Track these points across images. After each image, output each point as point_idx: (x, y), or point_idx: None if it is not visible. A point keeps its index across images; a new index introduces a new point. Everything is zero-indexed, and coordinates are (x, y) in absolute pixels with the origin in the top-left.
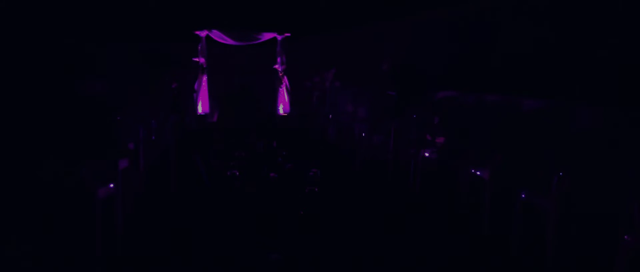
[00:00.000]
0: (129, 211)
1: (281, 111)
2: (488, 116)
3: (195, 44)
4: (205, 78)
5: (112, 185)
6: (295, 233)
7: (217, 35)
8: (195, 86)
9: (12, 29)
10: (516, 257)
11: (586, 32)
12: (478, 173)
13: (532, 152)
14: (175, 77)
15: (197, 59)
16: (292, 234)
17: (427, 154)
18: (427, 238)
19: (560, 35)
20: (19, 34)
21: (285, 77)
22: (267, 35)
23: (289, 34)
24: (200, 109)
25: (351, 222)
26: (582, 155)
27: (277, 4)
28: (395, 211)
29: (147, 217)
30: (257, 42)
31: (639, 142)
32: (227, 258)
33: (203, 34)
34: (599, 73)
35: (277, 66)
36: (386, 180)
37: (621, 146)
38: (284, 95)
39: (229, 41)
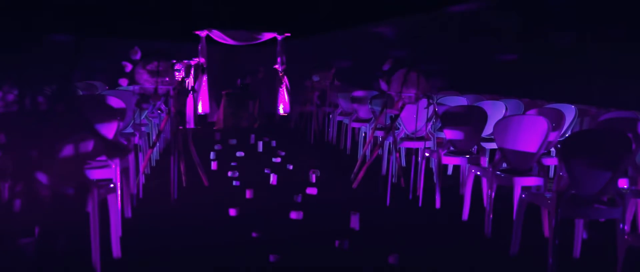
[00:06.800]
0: (128, 211)
1: (281, 111)
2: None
3: (195, 44)
4: (205, 78)
5: (111, 185)
6: (295, 234)
7: (217, 35)
8: (196, 86)
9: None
10: (516, 256)
11: None
12: (478, 173)
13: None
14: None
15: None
16: (292, 236)
17: (427, 154)
18: (428, 239)
19: None
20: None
21: (285, 77)
22: (267, 35)
23: (289, 34)
24: (200, 109)
25: (352, 224)
26: (581, 153)
27: (277, 4)
28: (396, 211)
29: (147, 218)
30: (257, 42)
31: (637, 139)
32: (226, 259)
33: (203, 34)
34: None
35: (277, 66)
36: (387, 179)
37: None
38: (284, 95)
39: (229, 41)
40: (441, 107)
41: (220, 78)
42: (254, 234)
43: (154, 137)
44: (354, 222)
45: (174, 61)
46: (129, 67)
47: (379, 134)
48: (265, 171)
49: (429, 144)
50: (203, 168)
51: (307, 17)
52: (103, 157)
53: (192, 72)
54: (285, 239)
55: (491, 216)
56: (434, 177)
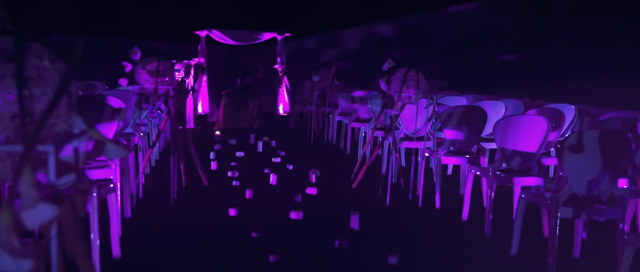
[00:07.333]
0: (127, 211)
1: (281, 111)
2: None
3: (195, 44)
4: (205, 78)
5: (111, 185)
6: (295, 234)
7: (217, 35)
8: (196, 86)
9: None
10: (516, 256)
11: None
12: (478, 173)
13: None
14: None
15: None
16: (292, 236)
17: (427, 154)
18: (428, 239)
19: None
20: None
21: (285, 77)
22: (267, 35)
23: (289, 34)
24: (200, 109)
25: (352, 224)
26: (581, 153)
27: (277, 4)
28: (396, 211)
29: (147, 218)
30: (257, 42)
31: (637, 139)
32: (226, 259)
33: (203, 34)
34: None
35: (277, 66)
36: (387, 179)
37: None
38: (284, 95)
39: (229, 41)
40: (441, 107)
41: (220, 78)
42: (254, 234)
43: (154, 137)
44: (354, 222)
45: (174, 61)
46: (129, 67)
47: (379, 134)
48: (265, 171)
49: (429, 144)
50: (203, 168)
51: (307, 17)
52: (103, 157)
53: (192, 72)
54: (285, 239)
55: (491, 216)
56: (434, 177)
